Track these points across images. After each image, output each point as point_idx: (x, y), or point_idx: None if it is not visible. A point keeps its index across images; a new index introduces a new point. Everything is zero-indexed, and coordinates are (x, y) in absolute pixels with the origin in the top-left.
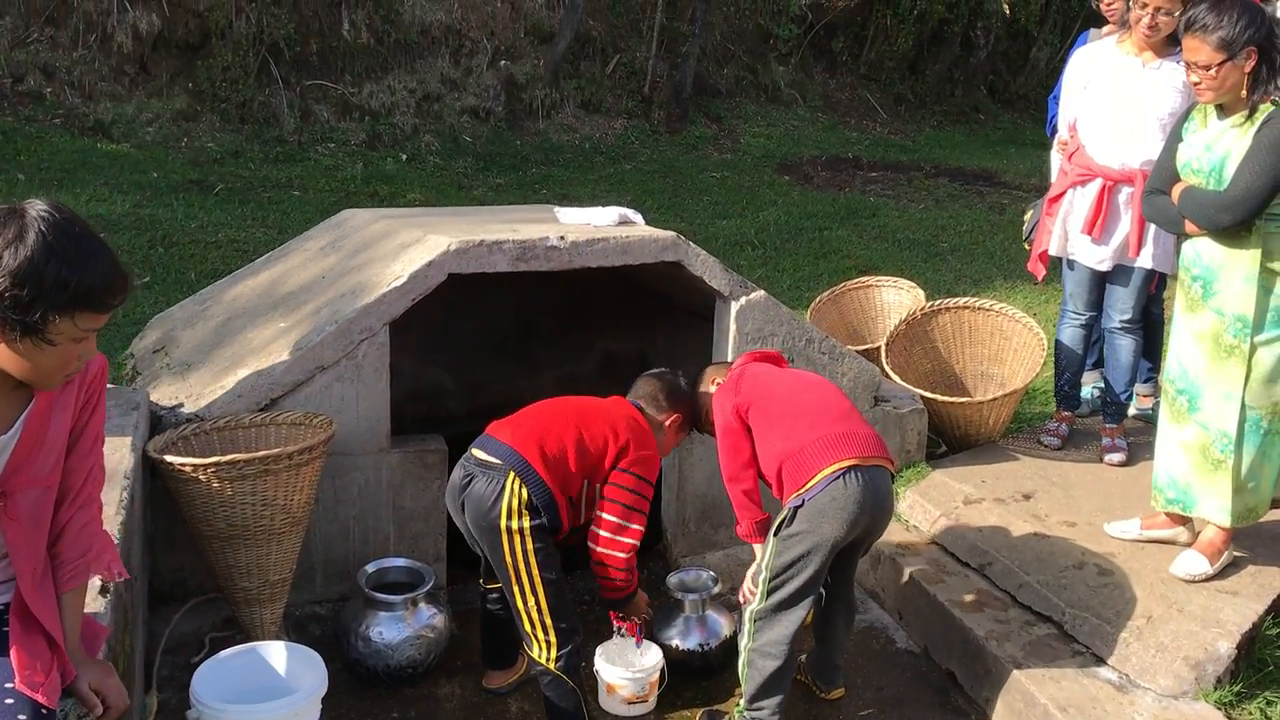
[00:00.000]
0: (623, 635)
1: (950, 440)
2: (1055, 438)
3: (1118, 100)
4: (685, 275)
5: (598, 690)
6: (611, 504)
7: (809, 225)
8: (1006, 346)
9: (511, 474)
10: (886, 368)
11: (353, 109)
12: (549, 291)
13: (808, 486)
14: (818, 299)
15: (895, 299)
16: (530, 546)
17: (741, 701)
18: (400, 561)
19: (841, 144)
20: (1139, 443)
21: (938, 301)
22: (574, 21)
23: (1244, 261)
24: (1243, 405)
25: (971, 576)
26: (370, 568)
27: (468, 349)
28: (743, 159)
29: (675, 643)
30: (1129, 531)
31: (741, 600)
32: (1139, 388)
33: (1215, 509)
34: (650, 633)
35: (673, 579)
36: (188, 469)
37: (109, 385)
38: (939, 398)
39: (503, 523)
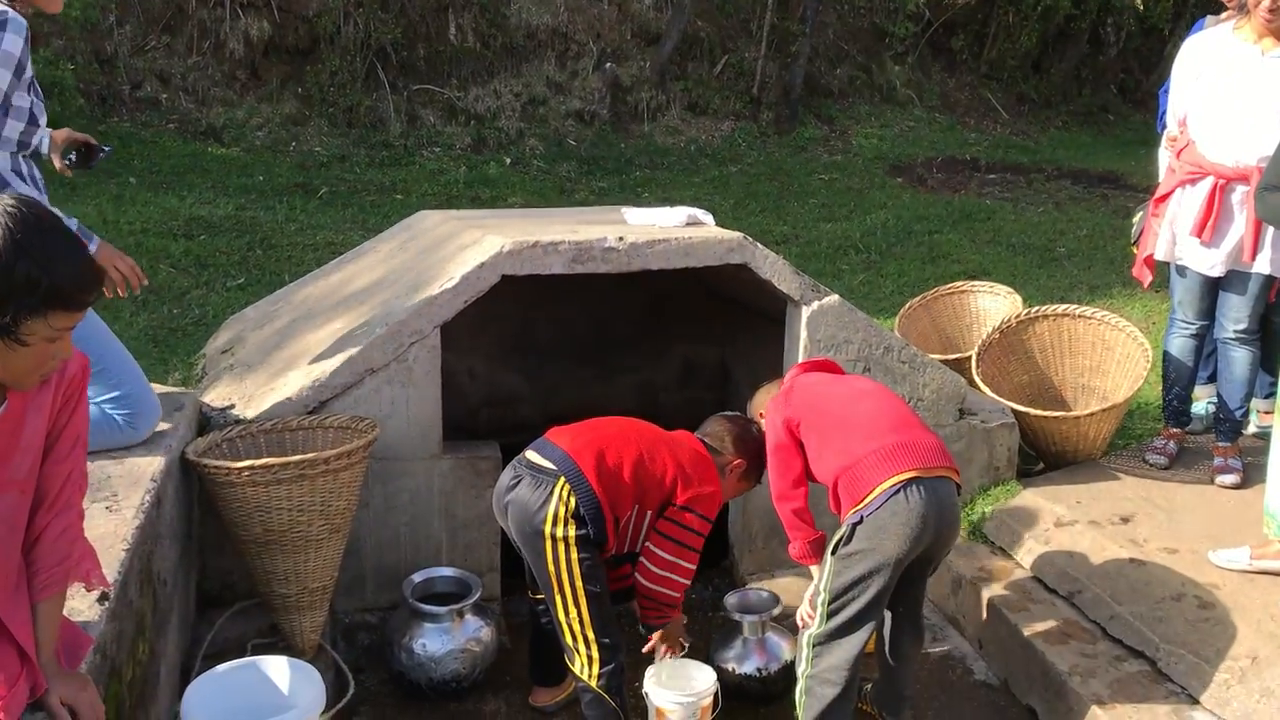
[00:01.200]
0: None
1: (1047, 457)
2: (1162, 456)
3: (1233, 92)
4: (754, 279)
5: (648, 716)
6: (665, 540)
7: (919, 229)
8: (1109, 357)
9: (562, 480)
10: (977, 378)
11: (458, 113)
12: (627, 296)
13: (866, 501)
14: (908, 305)
15: (991, 305)
16: (575, 556)
17: None
18: (448, 571)
19: (959, 145)
20: (1257, 463)
21: (1035, 308)
22: (681, 22)
23: None
24: None
25: (1059, 605)
26: (417, 577)
27: (543, 354)
28: (853, 161)
29: (732, 666)
30: (1237, 561)
31: (799, 624)
32: (1259, 403)
33: None
34: (706, 655)
35: (731, 599)
36: (222, 472)
37: (172, 387)
38: (1032, 411)
39: (547, 529)
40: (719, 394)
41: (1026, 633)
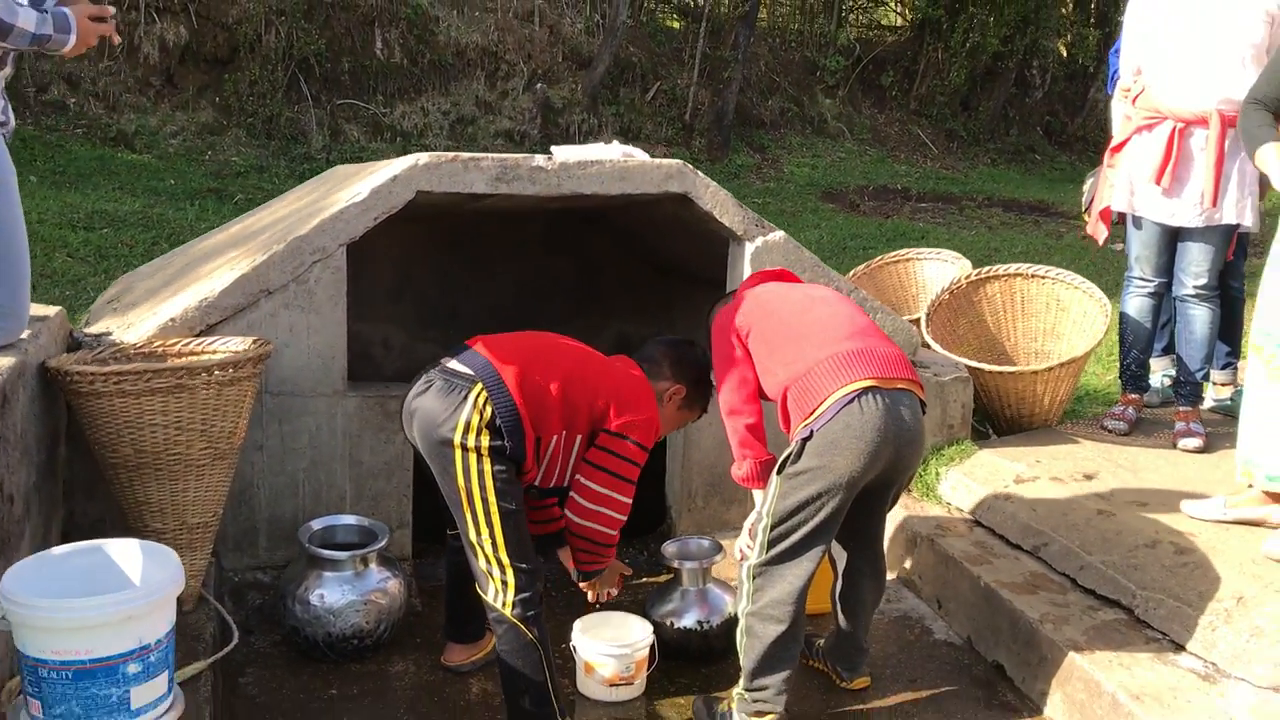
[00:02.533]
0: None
1: (1000, 423)
2: (1122, 422)
3: (1191, 32)
4: (696, 215)
5: (575, 672)
6: (596, 470)
7: (853, 244)
8: (1064, 319)
9: (479, 386)
10: (927, 337)
11: (384, 129)
12: (558, 264)
13: (817, 414)
14: (851, 272)
15: (938, 273)
16: (488, 469)
17: (741, 681)
18: (351, 519)
19: (890, 176)
20: (1217, 433)
21: (986, 269)
22: (613, 46)
23: None
24: None
25: (1023, 559)
26: (316, 524)
27: (467, 328)
28: (785, 187)
29: (670, 620)
30: (1212, 511)
31: (738, 557)
32: (1216, 374)
33: None
34: (643, 610)
35: (670, 547)
36: (85, 379)
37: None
38: (987, 367)
39: (457, 437)
40: None
41: (990, 585)
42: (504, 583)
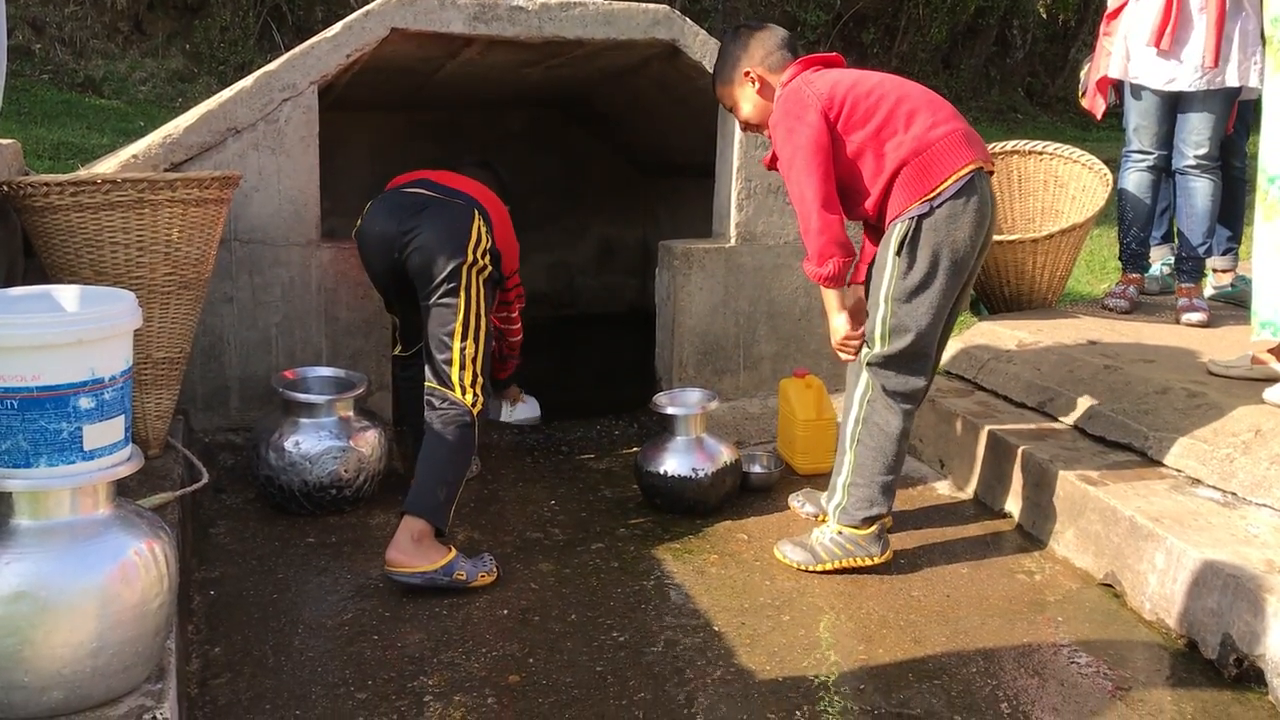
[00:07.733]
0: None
1: (997, 302)
2: (1122, 300)
3: None
4: (683, 73)
5: None
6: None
7: None
8: (1062, 195)
9: (476, 213)
10: None
11: None
12: (542, 162)
13: (938, 190)
14: None
15: None
16: (483, 289)
17: (841, 478)
18: (327, 371)
19: None
20: (1218, 314)
21: None
22: None
23: None
24: None
25: (1028, 415)
26: (291, 374)
27: None
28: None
29: (664, 468)
30: (1235, 368)
31: (840, 353)
32: (1216, 261)
33: None
34: (635, 462)
35: (662, 397)
36: (40, 190)
37: None
38: None
39: (471, 257)
40: (639, 280)
41: (997, 436)
42: (476, 391)
